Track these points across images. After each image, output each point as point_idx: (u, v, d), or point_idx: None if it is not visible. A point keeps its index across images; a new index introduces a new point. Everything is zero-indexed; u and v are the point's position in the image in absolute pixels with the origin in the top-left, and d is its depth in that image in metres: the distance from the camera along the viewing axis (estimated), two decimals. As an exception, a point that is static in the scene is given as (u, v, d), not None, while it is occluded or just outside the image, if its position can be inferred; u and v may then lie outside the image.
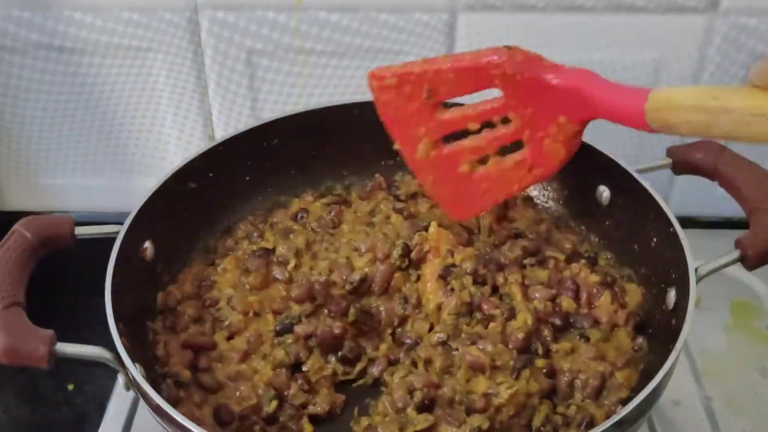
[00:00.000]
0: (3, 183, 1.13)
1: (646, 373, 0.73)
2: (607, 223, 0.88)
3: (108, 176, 1.12)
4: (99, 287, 0.73)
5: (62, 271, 0.92)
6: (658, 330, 0.76)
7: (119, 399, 0.89)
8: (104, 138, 1.09)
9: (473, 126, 0.77)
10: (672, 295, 0.75)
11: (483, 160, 0.80)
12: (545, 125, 0.74)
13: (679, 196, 1.06)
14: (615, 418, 0.61)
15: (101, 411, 0.90)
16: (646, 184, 0.81)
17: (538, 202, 0.94)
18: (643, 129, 0.67)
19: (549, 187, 0.94)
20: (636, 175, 0.83)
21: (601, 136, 1.02)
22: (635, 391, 0.71)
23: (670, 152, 0.86)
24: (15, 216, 0.77)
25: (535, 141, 0.76)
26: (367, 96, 1.00)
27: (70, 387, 0.99)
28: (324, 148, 0.96)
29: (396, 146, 0.82)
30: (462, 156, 0.79)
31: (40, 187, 1.13)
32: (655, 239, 0.80)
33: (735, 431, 0.85)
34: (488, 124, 0.78)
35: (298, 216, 0.92)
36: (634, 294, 0.82)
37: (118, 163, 1.11)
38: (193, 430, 0.63)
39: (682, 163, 0.85)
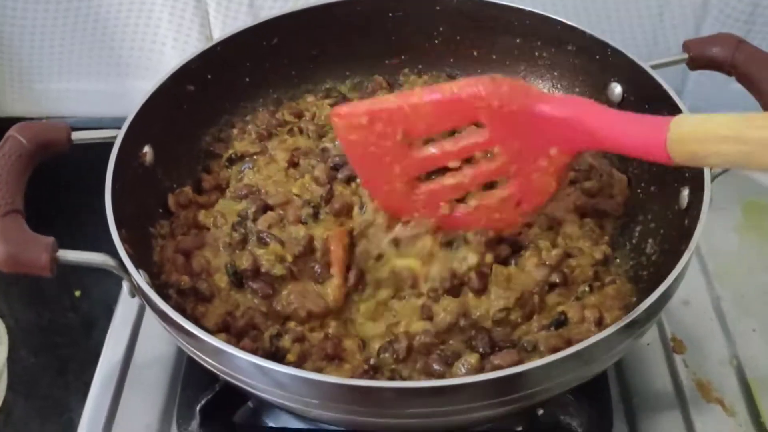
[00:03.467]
0: (-3, 88, 1.11)
1: (658, 274, 0.72)
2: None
3: (104, 80, 1.10)
4: (99, 193, 0.71)
5: (61, 178, 0.91)
6: (671, 230, 0.75)
7: (126, 305, 0.89)
8: (98, 41, 1.07)
9: (454, 164, 0.70)
10: (685, 194, 0.74)
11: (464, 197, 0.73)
12: (534, 159, 0.67)
13: (692, 92, 1.04)
14: (626, 320, 0.61)
15: (108, 316, 0.90)
16: (661, 80, 0.78)
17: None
18: (665, 162, 0.60)
19: (558, 85, 0.91)
20: (650, 71, 0.80)
21: (612, 28, 1.00)
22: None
23: (687, 46, 0.83)
24: (10, 122, 0.75)
25: (523, 175, 0.68)
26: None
27: (77, 293, 1.00)
28: (326, 47, 0.93)
29: (363, 187, 0.74)
30: (442, 195, 0.71)
31: (36, 92, 1.11)
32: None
33: (744, 330, 0.85)
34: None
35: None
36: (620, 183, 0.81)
37: (113, 67, 1.09)
38: (198, 335, 0.62)
39: (698, 58, 0.82)
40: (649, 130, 0.61)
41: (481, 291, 0.73)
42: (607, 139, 0.63)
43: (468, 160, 0.71)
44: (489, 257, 0.73)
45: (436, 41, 0.94)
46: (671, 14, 1.00)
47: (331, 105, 0.91)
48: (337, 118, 0.70)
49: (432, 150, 0.69)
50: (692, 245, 0.65)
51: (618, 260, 0.78)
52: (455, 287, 0.73)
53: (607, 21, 1.01)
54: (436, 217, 0.72)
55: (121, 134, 0.76)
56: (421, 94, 0.67)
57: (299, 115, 0.91)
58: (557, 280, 0.74)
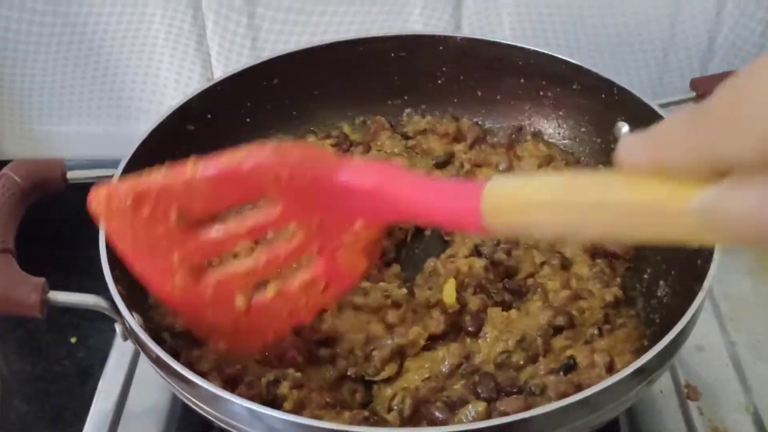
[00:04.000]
0: (-4, 130, 1.10)
1: (670, 318, 0.69)
2: (627, 161, 0.84)
3: (104, 122, 1.09)
4: (93, 234, 0.69)
5: (55, 218, 0.90)
6: (683, 272, 0.73)
7: (119, 351, 0.87)
8: (99, 83, 1.06)
9: (244, 246, 0.63)
10: (697, 234, 0.71)
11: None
12: (338, 234, 0.58)
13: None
14: (637, 364, 0.58)
15: (104, 364, 0.87)
16: (670, 119, 0.77)
17: (551, 139, 0.91)
18: (483, 234, 0.55)
19: (564, 124, 0.90)
20: (658, 110, 0.79)
21: (617, 67, 0.99)
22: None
23: (695, 84, 0.82)
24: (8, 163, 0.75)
25: (327, 255, 0.60)
26: (373, 32, 0.97)
27: (73, 340, 0.98)
28: (328, 87, 0.92)
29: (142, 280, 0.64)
30: (234, 283, 0.62)
31: (35, 134, 1.10)
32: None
33: (761, 376, 0.82)
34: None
35: None
36: None
37: (114, 109, 1.08)
38: (193, 380, 0.60)
39: (707, 96, 0.80)
40: (460, 199, 0.51)
41: (475, 333, 0.72)
42: (415, 212, 0.55)
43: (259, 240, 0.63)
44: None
45: (440, 81, 0.93)
46: (676, 53, 1.00)
47: (333, 145, 0.90)
48: (95, 203, 0.59)
49: (214, 233, 0.60)
50: (706, 286, 0.63)
51: (629, 303, 0.76)
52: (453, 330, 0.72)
53: (612, 60, 1.00)
54: (233, 315, 0.63)
55: (117, 173, 0.75)
56: (195, 169, 0.58)
57: None
58: (563, 323, 0.71)
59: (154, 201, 0.58)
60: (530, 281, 0.75)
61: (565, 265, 0.76)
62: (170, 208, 0.58)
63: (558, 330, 0.71)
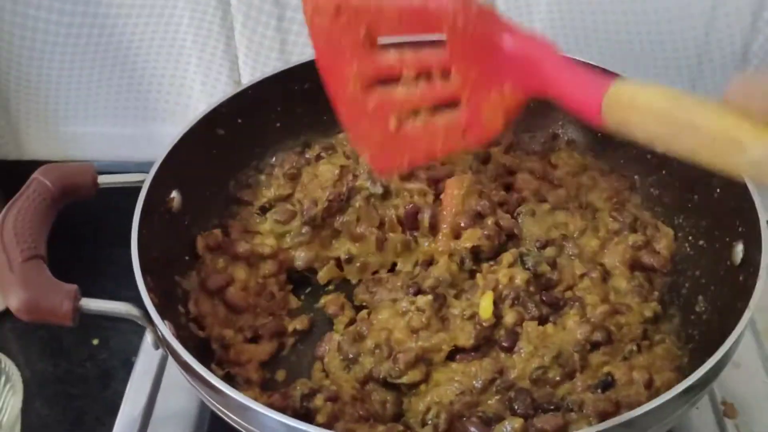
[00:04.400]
0: (22, 131, 1.10)
1: (710, 334, 0.68)
2: (663, 172, 0.83)
3: (130, 124, 1.09)
4: (124, 240, 0.70)
5: (85, 223, 0.90)
6: (723, 287, 0.71)
7: (146, 356, 0.87)
8: (126, 84, 1.05)
9: (409, 74, 0.68)
10: (739, 249, 0.70)
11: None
12: (488, 90, 0.65)
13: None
14: (683, 385, 0.57)
15: (127, 367, 0.88)
16: (711, 129, 0.75)
17: (586, 149, 0.89)
18: (597, 124, 0.58)
19: (599, 134, 0.88)
20: (697, 121, 0.77)
21: (649, 75, 0.98)
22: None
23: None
24: (35, 165, 0.74)
25: (474, 104, 0.67)
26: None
27: (95, 342, 0.98)
28: (359, 91, 0.91)
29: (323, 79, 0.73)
30: (392, 106, 0.69)
31: (61, 135, 1.10)
32: (718, 189, 0.75)
33: (798, 394, 0.81)
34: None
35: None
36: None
37: (140, 111, 1.08)
38: (224, 390, 0.60)
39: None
40: (588, 87, 0.59)
41: (510, 349, 0.70)
42: (553, 86, 0.61)
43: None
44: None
45: (469, 87, 0.92)
46: (710, 61, 0.98)
47: None
48: (309, 2, 0.69)
49: (391, 54, 0.68)
50: (752, 304, 0.61)
51: (667, 318, 0.75)
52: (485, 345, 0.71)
53: (644, 67, 0.99)
54: (384, 131, 0.70)
55: (148, 178, 0.74)
56: None
57: (331, 149, 0.89)
58: (600, 339, 0.70)
59: (351, 14, 0.66)
60: (568, 294, 0.74)
61: (605, 277, 0.74)
62: (362, 23, 0.66)
63: (595, 346, 0.70)
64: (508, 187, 0.85)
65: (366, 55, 0.68)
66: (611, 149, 0.88)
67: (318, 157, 0.87)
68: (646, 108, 0.55)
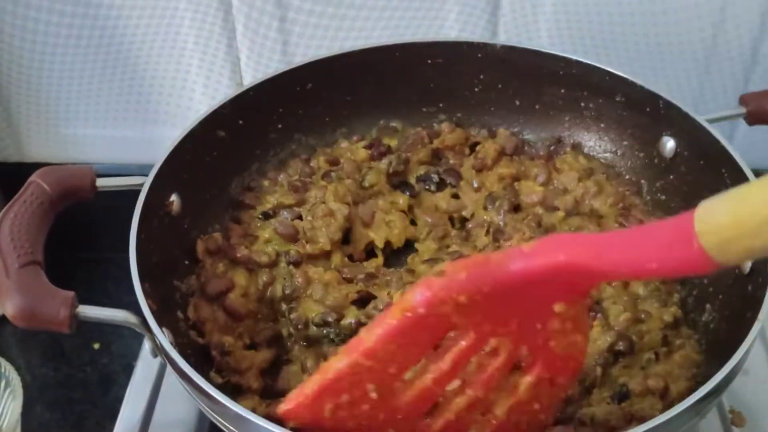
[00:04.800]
0: (22, 133, 1.09)
1: (718, 344, 0.67)
2: (671, 177, 0.82)
3: (131, 126, 1.08)
4: (122, 244, 0.69)
5: (83, 227, 0.89)
6: (731, 296, 0.70)
7: (146, 362, 0.86)
8: (127, 86, 1.05)
9: (454, 385, 0.57)
10: (748, 258, 0.69)
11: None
12: (542, 326, 0.54)
13: (740, 146, 1.00)
14: (690, 401, 0.56)
15: (128, 371, 0.87)
16: (720, 136, 0.75)
17: (592, 152, 0.88)
18: (707, 270, 0.46)
19: (605, 137, 0.88)
20: (707, 125, 0.76)
21: (657, 80, 0.97)
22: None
23: (744, 100, 0.80)
24: (34, 168, 0.73)
25: (540, 350, 0.55)
26: (407, 38, 0.95)
27: (96, 346, 0.97)
28: (361, 93, 0.90)
29: None
30: (463, 419, 0.57)
31: (62, 137, 1.10)
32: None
33: (808, 403, 0.80)
34: None
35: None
36: None
37: (141, 113, 1.07)
38: (222, 401, 0.59)
39: (756, 112, 0.79)
40: (669, 242, 0.47)
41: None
42: (618, 271, 0.51)
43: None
44: None
45: (477, 89, 0.91)
46: (719, 63, 0.97)
47: (365, 147, 0.89)
48: (294, 419, 0.56)
49: (421, 384, 0.55)
50: (762, 315, 0.60)
51: (688, 324, 0.74)
52: None
53: (652, 70, 0.98)
54: None
55: (148, 181, 0.73)
56: (370, 335, 0.53)
57: (335, 163, 0.88)
58: (623, 348, 0.68)
59: (347, 387, 0.54)
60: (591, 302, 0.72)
61: (626, 284, 0.73)
62: (364, 385, 0.54)
63: (618, 355, 0.68)
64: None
65: (397, 408, 0.56)
66: (619, 155, 0.87)
67: (325, 175, 0.86)
68: (755, 213, 0.44)
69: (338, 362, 0.54)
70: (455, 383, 0.56)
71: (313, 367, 0.70)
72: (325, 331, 0.73)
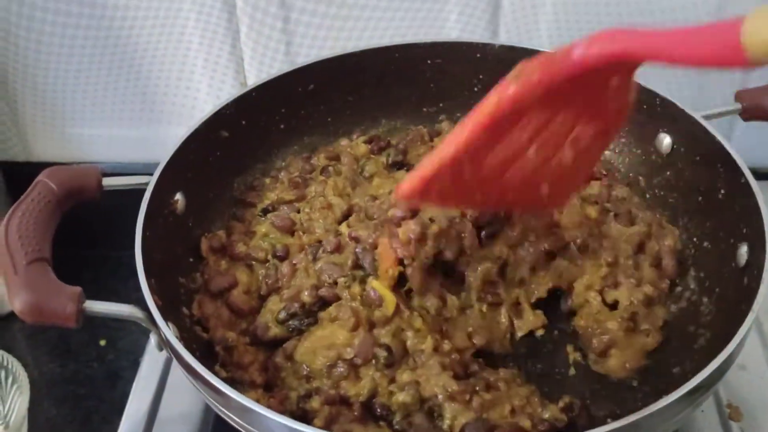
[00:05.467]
0: (29, 133, 1.10)
1: (715, 337, 0.68)
2: (668, 173, 0.83)
3: (136, 126, 1.09)
4: (128, 241, 0.70)
5: (89, 225, 0.89)
6: (727, 289, 0.71)
7: (152, 357, 0.87)
8: (132, 86, 1.06)
9: (533, 150, 0.66)
10: (743, 251, 0.70)
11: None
12: (602, 96, 0.64)
13: (739, 143, 1.01)
14: (688, 386, 0.57)
15: (134, 367, 0.88)
16: (716, 132, 0.75)
17: (590, 150, 0.89)
18: (742, 64, 0.52)
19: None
20: (703, 122, 0.77)
21: (655, 74, 0.97)
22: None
23: (740, 96, 0.80)
24: (41, 167, 0.74)
25: (599, 112, 0.65)
26: (408, 38, 0.96)
27: (103, 342, 0.98)
28: (363, 93, 0.91)
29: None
30: (540, 169, 0.68)
31: (67, 136, 1.10)
32: (723, 191, 0.75)
33: (805, 398, 0.80)
34: None
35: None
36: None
37: (146, 113, 1.08)
38: (228, 393, 0.60)
39: (752, 108, 0.79)
40: (717, 30, 0.53)
41: None
42: (669, 50, 0.56)
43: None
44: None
45: (476, 89, 0.91)
46: (717, 64, 0.97)
47: (366, 142, 0.90)
48: (407, 198, 0.66)
49: (505, 152, 0.65)
50: (756, 307, 0.61)
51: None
52: None
53: (652, 70, 0.98)
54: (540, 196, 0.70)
55: (153, 181, 0.74)
56: (465, 128, 0.62)
57: (335, 159, 0.89)
58: None
59: (450, 172, 0.64)
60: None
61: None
62: (464, 167, 0.64)
63: None
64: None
65: (486, 172, 0.66)
66: (617, 152, 0.88)
67: (324, 170, 0.87)
68: None
69: (440, 156, 0.63)
70: (532, 149, 0.65)
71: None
72: (291, 325, 0.74)
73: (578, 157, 0.68)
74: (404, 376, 0.68)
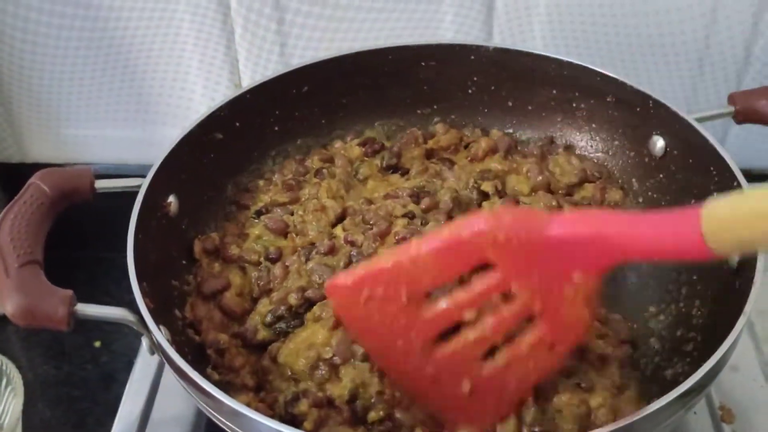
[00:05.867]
0: (23, 134, 1.10)
1: (708, 339, 0.68)
2: (661, 175, 0.83)
3: (131, 127, 1.09)
4: (121, 243, 0.70)
5: (82, 227, 0.89)
6: (720, 292, 0.71)
7: (145, 359, 0.87)
8: (126, 87, 1.06)
9: (470, 315, 0.62)
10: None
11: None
12: (558, 289, 0.59)
13: (732, 146, 1.01)
14: (680, 390, 0.57)
15: (128, 369, 0.88)
16: (708, 135, 0.76)
17: (584, 152, 0.89)
18: (706, 257, 0.53)
19: (597, 137, 0.89)
20: (695, 124, 0.77)
21: (651, 79, 0.98)
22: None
23: (733, 98, 0.80)
24: (36, 168, 0.74)
25: (550, 312, 0.60)
26: (402, 40, 0.96)
27: (97, 344, 0.98)
28: (357, 95, 0.91)
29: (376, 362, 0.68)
30: (465, 355, 0.62)
31: (62, 138, 1.10)
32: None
33: (797, 399, 0.80)
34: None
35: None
36: None
37: (140, 114, 1.08)
38: (218, 397, 0.60)
39: (745, 111, 0.79)
40: (680, 227, 0.54)
41: None
42: (635, 249, 0.57)
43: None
44: None
45: (470, 91, 0.92)
46: (711, 65, 0.98)
47: (360, 145, 0.90)
48: (335, 295, 0.64)
49: (444, 303, 0.61)
50: (747, 309, 0.61)
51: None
52: None
53: (645, 71, 0.98)
54: (458, 396, 0.64)
55: (145, 183, 0.74)
56: (419, 245, 0.61)
57: (329, 161, 0.89)
58: None
59: (386, 282, 0.61)
60: None
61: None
62: (401, 287, 0.61)
63: None
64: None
65: (416, 318, 0.62)
66: (610, 154, 0.88)
67: (317, 172, 0.87)
68: (757, 215, 0.51)
69: (386, 260, 0.62)
70: (472, 313, 0.61)
71: None
72: (278, 328, 0.74)
73: (512, 365, 0.62)
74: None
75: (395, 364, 0.65)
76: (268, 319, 0.74)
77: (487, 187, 0.84)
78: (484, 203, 0.83)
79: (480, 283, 0.61)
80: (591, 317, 0.61)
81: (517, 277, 0.60)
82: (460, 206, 0.82)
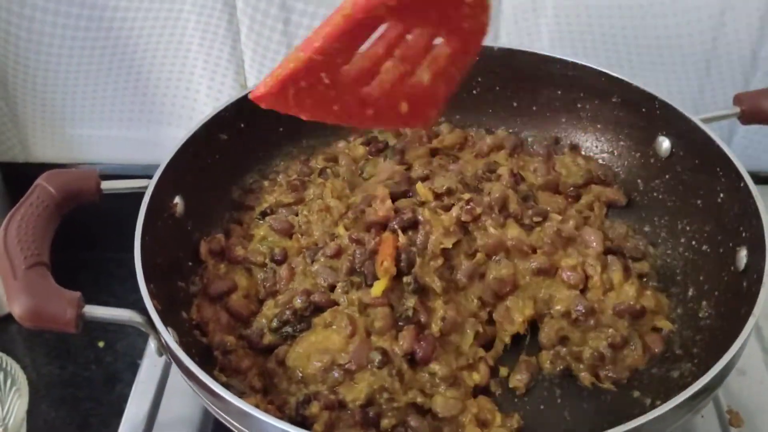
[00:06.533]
0: (29, 134, 1.10)
1: (715, 341, 0.68)
2: (667, 176, 0.83)
3: (136, 127, 1.09)
4: (126, 243, 0.70)
5: (89, 228, 0.89)
6: (727, 293, 0.71)
7: (151, 360, 0.86)
8: (132, 87, 1.06)
9: (388, 64, 0.68)
10: (743, 254, 0.70)
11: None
12: (456, 9, 0.65)
13: (738, 147, 1.01)
14: (688, 393, 0.57)
15: (132, 370, 0.87)
16: (714, 135, 0.75)
17: (589, 153, 0.89)
18: None
19: (602, 138, 0.89)
20: (701, 125, 0.77)
21: (657, 80, 0.97)
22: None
23: (739, 99, 0.80)
24: (41, 168, 0.74)
25: (454, 30, 0.68)
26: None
27: (101, 344, 0.98)
28: (362, 96, 0.91)
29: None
30: (394, 85, 0.69)
31: (67, 138, 1.10)
32: (722, 195, 0.75)
33: (804, 402, 0.80)
34: None
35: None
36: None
37: (146, 114, 1.08)
38: (225, 396, 0.60)
39: (751, 112, 0.79)
40: None
41: None
42: None
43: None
44: None
45: (475, 91, 0.91)
46: (719, 66, 0.97)
47: (363, 144, 0.90)
48: (262, 102, 0.65)
49: (362, 62, 0.67)
50: (756, 311, 0.61)
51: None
52: None
53: (652, 72, 0.98)
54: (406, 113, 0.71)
55: (152, 184, 0.74)
56: (318, 36, 0.63)
57: (333, 161, 0.89)
58: None
59: (305, 76, 0.64)
60: None
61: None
62: (319, 73, 0.64)
63: None
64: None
65: (344, 83, 0.66)
66: (616, 155, 0.88)
67: (322, 172, 0.87)
68: None
69: (295, 59, 0.63)
70: (389, 63, 0.67)
71: None
72: (284, 332, 0.74)
73: (436, 77, 0.70)
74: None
75: (340, 119, 0.70)
76: (275, 324, 0.74)
77: (503, 170, 0.84)
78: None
79: (387, 37, 0.66)
80: (487, 22, 0.67)
81: (417, 20, 0.66)
82: (467, 188, 0.81)
